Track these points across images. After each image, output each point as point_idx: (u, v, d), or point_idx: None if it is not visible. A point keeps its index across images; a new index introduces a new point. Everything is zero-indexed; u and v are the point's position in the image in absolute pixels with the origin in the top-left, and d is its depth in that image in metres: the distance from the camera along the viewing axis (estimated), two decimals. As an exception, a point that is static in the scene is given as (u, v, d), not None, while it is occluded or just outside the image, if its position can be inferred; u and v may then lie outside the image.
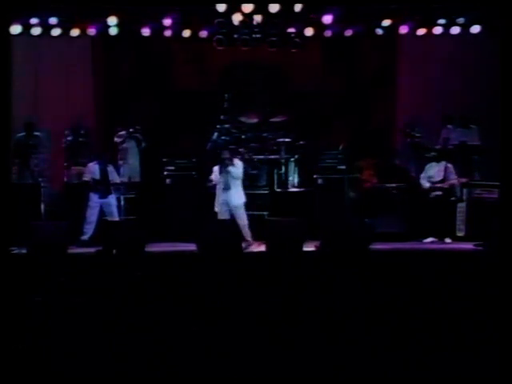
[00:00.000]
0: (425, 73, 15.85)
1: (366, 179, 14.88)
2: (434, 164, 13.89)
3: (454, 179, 13.74)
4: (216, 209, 12.94)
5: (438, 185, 13.71)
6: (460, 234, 13.73)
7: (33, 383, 6.32)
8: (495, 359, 6.46)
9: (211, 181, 13.06)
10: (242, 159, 13.52)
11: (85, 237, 13.28)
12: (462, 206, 13.88)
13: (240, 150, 14.31)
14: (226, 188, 12.86)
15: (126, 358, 6.53)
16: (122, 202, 14.20)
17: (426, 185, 13.80)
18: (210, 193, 13.79)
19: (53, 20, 14.32)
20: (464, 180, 13.94)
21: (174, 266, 9.74)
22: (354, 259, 10.19)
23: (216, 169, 13.04)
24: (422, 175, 13.94)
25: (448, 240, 13.41)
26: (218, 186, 13.01)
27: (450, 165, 13.84)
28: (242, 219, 12.79)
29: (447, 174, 13.73)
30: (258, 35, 14.57)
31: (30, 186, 14.29)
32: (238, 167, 12.96)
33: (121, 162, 14.86)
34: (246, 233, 12.62)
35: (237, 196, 12.96)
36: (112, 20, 14.28)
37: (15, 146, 14.18)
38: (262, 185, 14.73)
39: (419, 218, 13.73)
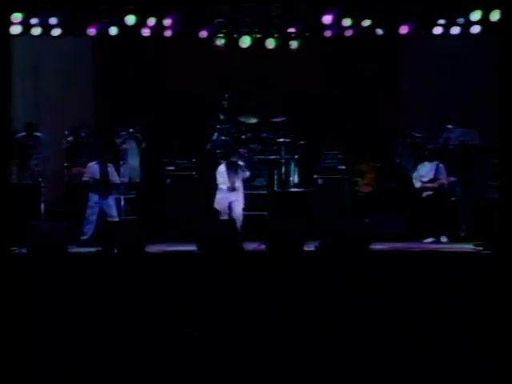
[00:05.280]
0: (425, 73, 15.84)
1: (367, 183, 14.90)
2: (426, 163, 14.05)
3: (443, 179, 13.84)
4: (219, 206, 13.05)
5: (428, 184, 13.82)
6: (460, 233, 13.75)
7: (32, 382, 6.32)
8: (495, 359, 6.45)
9: (221, 183, 13.20)
10: (245, 161, 13.66)
11: (85, 237, 13.29)
12: (462, 206, 13.92)
13: (240, 150, 14.33)
14: (233, 189, 13.04)
15: (125, 358, 6.52)
16: (122, 202, 14.21)
17: (418, 184, 13.93)
18: (209, 193, 13.82)
19: (53, 20, 14.31)
20: (452, 179, 14.01)
21: (174, 265, 9.73)
22: (354, 259, 10.18)
23: (221, 170, 13.17)
24: (414, 174, 14.10)
25: (444, 239, 13.43)
26: (222, 186, 13.15)
27: (441, 164, 13.95)
28: (240, 220, 12.90)
29: (437, 174, 13.84)
30: (258, 35, 14.58)
31: (30, 186, 14.29)
32: (245, 171, 13.31)
33: (121, 163, 14.86)
34: None
35: (242, 198, 13.13)
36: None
37: (15, 146, 14.18)
38: (261, 185, 14.74)
39: (419, 218, 13.73)
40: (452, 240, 13.44)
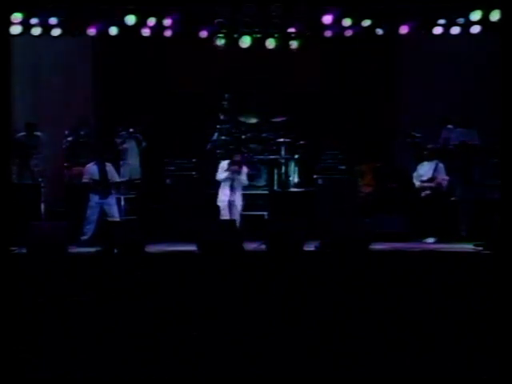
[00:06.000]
0: (425, 73, 15.84)
1: (367, 183, 14.90)
2: (425, 163, 14.10)
3: (441, 178, 13.88)
4: (220, 203, 13.04)
5: (426, 184, 13.87)
6: (460, 233, 13.76)
7: (32, 382, 6.32)
8: (495, 359, 6.46)
9: (222, 176, 13.17)
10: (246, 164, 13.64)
11: (85, 237, 13.29)
12: (462, 206, 13.95)
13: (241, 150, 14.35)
14: (233, 189, 13.04)
15: (125, 358, 6.53)
16: (122, 202, 14.21)
17: (417, 183, 13.98)
18: (209, 193, 13.81)
19: (53, 20, 14.30)
20: (447, 178, 14.02)
21: (174, 265, 9.74)
22: (354, 259, 10.19)
23: (224, 165, 13.13)
24: (414, 174, 14.14)
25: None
26: (224, 183, 13.14)
27: (441, 164, 13.98)
28: (237, 221, 12.94)
29: (436, 173, 13.89)
30: (258, 35, 14.59)
31: (30, 186, 14.28)
32: (244, 175, 13.27)
33: (121, 162, 14.86)
34: None
35: (241, 200, 13.18)
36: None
37: (15, 146, 14.17)
38: (261, 185, 14.74)
39: (419, 218, 13.74)
40: (450, 240, 13.43)
